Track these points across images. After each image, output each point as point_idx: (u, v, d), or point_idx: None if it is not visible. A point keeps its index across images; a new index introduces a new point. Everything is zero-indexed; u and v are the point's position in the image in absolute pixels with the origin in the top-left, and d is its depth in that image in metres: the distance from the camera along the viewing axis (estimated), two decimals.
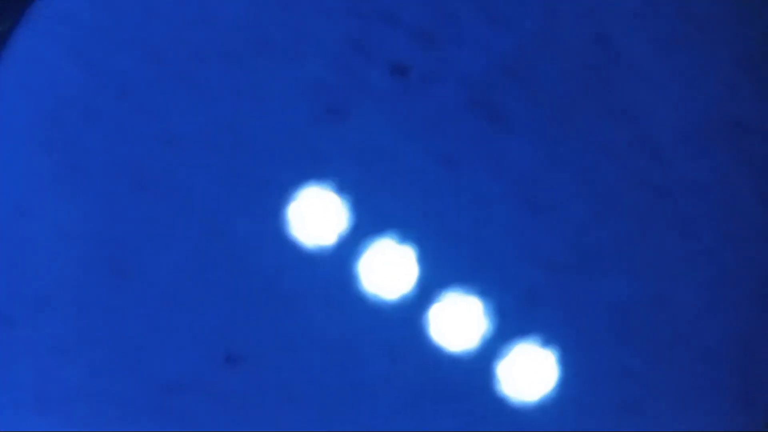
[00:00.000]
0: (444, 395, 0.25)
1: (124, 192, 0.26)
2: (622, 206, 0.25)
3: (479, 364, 0.25)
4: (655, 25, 0.26)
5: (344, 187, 0.25)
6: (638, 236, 0.25)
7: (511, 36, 0.25)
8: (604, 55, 0.25)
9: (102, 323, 0.26)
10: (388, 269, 0.25)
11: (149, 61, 0.26)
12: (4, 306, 0.27)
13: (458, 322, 0.25)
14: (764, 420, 0.26)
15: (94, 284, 0.26)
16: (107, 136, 0.26)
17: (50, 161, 0.26)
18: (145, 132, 0.26)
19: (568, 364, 0.25)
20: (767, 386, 0.25)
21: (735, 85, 0.26)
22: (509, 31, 0.25)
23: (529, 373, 0.25)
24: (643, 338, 0.25)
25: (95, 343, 0.26)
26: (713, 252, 0.25)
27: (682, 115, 0.26)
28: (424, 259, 0.25)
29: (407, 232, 0.25)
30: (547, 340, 0.25)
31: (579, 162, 0.25)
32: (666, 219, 0.25)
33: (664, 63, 0.26)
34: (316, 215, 0.25)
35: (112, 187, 0.26)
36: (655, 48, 0.26)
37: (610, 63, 0.25)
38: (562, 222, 0.25)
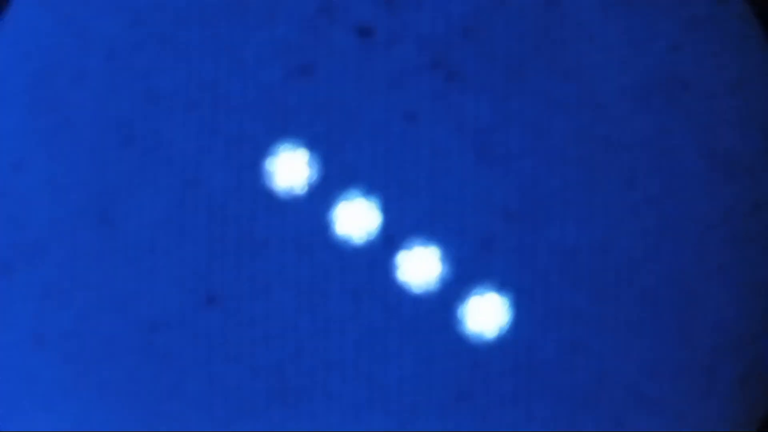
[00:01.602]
0: (405, 334, 0.26)
1: (111, 147, 0.28)
2: (570, 158, 0.27)
3: (439, 305, 0.27)
4: None
5: (313, 140, 0.27)
6: (585, 186, 0.27)
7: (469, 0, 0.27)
8: (554, 16, 0.27)
9: (91, 268, 0.27)
10: (354, 217, 0.27)
11: (133, 24, 0.28)
12: (2, 252, 0.29)
13: (419, 266, 0.27)
14: (703, 359, 0.27)
15: (84, 233, 0.28)
16: (95, 96, 0.28)
17: (42, 120, 0.28)
18: (130, 91, 0.28)
19: (521, 305, 0.27)
20: (704, 325, 0.27)
21: (678, 44, 0.28)
22: None
23: (485, 313, 0.27)
24: (590, 281, 0.27)
25: (85, 287, 0.28)
26: (655, 201, 0.27)
27: (626, 72, 0.27)
28: (388, 208, 0.27)
29: (371, 182, 0.27)
30: (502, 283, 0.27)
31: (530, 117, 0.27)
32: (611, 170, 0.27)
33: (610, 24, 0.27)
34: (287, 167, 0.27)
35: (100, 143, 0.28)
36: (602, 9, 0.27)
37: (560, 24, 0.27)
38: (515, 173, 0.27)
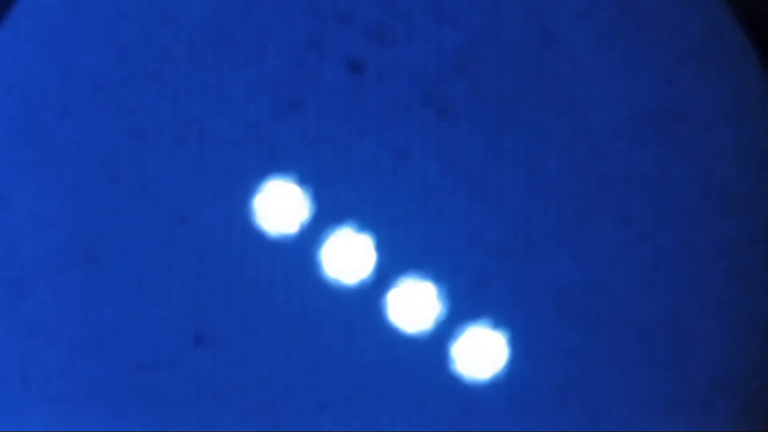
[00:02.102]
0: (399, 373, 0.26)
1: (97, 183, 0.27)
2: (564, 194, 0.26)
3: (432, 345, 0.26)
4: (597, 23, 0.27)
5: (303, 178, 0.26)
6: (580, 223, 0.26)
7: (461, 34, 0.27)
8: (548, 51, 0.27)
9: (78, 307, 0.27)
10: (346, 256, 0.26)
11: (120, 58, 0.28)
12: None
13: (412, 305, 0.26)
14: (700, 395, 0.27)
15: (70, 270, 0.27)
16: (81, 131, 0.27)
17: (27, 155, 0.28)
18: (117, 126, 0.27)
19: (515, 344, 0.26)
20: (701, 361, 0.27)
21: (673, 79, 0.27)
22: (458, 29, 0.27)
23: (480, 352, 0.26)
24: (585, 319, 0.26)
25: (72, 326, 0.27)
26: (650, 237, 0.27)
27: (621, 107, 0.27)
28: (380, 246, 0.26)
29: (363, 220, 0.26)
30: (496, 322, 0.26)
31: (524, 152, 0.26)
32: (605, 206, 0.26)
33: (605, 59, 0.27)
34: (277, 205, 0.26)
35: (86, 179, 0.27)
36: (597, 44, 0.27)
37: (554, 59, 0.27)
38: (509, 209, 0.26)
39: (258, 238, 0.26)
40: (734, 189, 0.27)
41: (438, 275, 0.26)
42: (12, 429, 0.28)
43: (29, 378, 0.28)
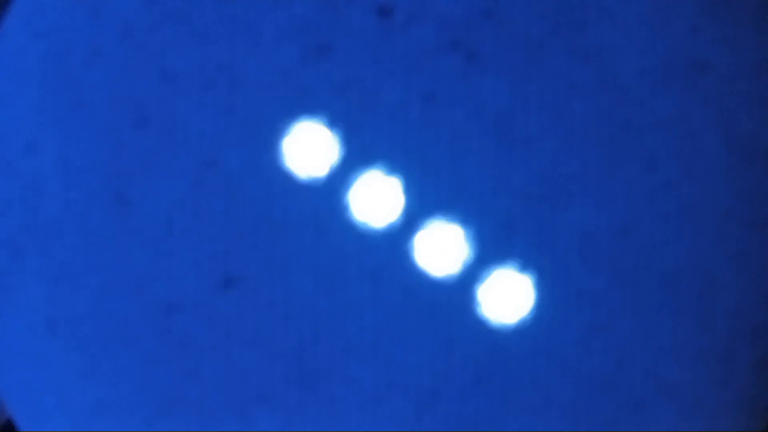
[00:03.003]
0: (424, 316, 0.26)
1: (126, 127, 0.27)
2: (589, 141, 0.27)
3: (459, 288, 0.26)
4: None
5: (332, 121, 0.27)
6: (605, 169, 0.27)
7: None
8: None
9: (107, 250, 0.27)
10: (373, 198, 0.26)
11: (149, 3, 0.28)
12: (15, 235, 0.28)
13: (439, 248, 0.26)
14: (722, 344, 0.27)
15: (99, 214, 0.27)
16: (110, 76, 0.28)
17: (57, 100, 0.28)
18: (145, 71, 0.27)
19: (541, 287, 0.27)
20: (723, 311, 0.27)
21: (697, 27, 0.28)
22: None
23: (506, 296, 0.27)
24: (610, 264, 0.27)
25: (101, 269, 0.27)
26: (675, 184, 0.27)
27: (646, 55, 0.27)
28: (408, 190, 0.26)
29: (391, 163, 0.26)
30: (523, 265, 0.26)
31: (550, 99, 0.27)
32: (631, 153, 0.27)
33: (630, 6, 0.27)
34: (306, 147, 0.27)
35: (114, 123, 0.27)
36: None
37: (579, 6, 0.27)
38: (535, 155, 0.26)
39: (287, 180, 0.27)
40: (758, 139, 0.28)
41: (464, 219, 0.26)
42: (39, 374, 0.28)
43: (57, 323, 0.28)
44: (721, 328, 0.27)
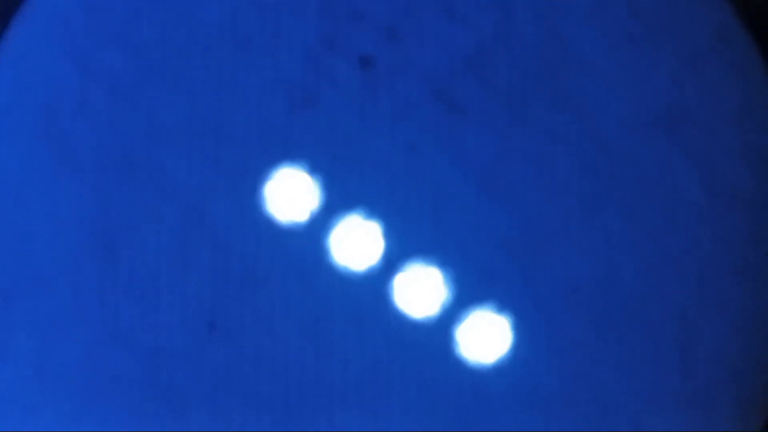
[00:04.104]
0: (407, 362, 0.26)
1: (114, 180, 0.28)
2: (571, 192, 0.27)
3: (440, 334, 0.27)
4: (605, 24, 0.28)
5: (316, 171, 0.27)
6: (587, 220, 0.27)
7: (471, 33, 0.27)
8: (557, 51, 0.27)
9: (95, 300, 0.27)
10: (355, 245, 0.27)
11: (137, 58, 0.28)
12: (3, 285, 0.29)
13: (421, 295, 0.27)
14: (705, 391, 0.27)
15: (87, 265, 0.28)
16: (97, 129, 0.28)
17: (45, 152, 0.28)
18: (133, 124, 0.28)
19: (523, 334, 0.27)
20: (705, 357, 0.27)
21: (680, 79, 0.28)
22: (468, 28, 0.27)
23: (488, 341, 0.27)
24: (592, 314, 0.27)
25: (89, 319, 0.28)
26: (656, 235, 0.27)
27: (628, 107, 0.27)
28: (389, 237, 0.27)
29: (374, 212, 0.27)
30: (504, 311, 0.27)
31: (532, 150, 0.27)
32: (612, 204, 0.27)
33: (613, 58, 0.28)
34: (289, 197, 0.27)
35: (103, 176, 0.28)
36: (605, 44, 0.28)
37: (563, 58, 0.27)
38: (517, 204, 0.27)
39: (271, 230, 0.27)
40: (738, 188, 0.28)
41: (446, 267, 0.27)
42: (27, 425, 0.29)
43: (44, 372, 0.28)
44: (704, 375, 0.27)
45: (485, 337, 0.26)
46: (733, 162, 0.28)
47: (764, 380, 0.29)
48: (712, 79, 0.28)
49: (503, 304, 0.26)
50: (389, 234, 0.26)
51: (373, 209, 0.27)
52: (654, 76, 0.28)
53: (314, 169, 0.27)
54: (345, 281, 0.26)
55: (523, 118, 0.27)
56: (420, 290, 0.26)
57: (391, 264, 0.26)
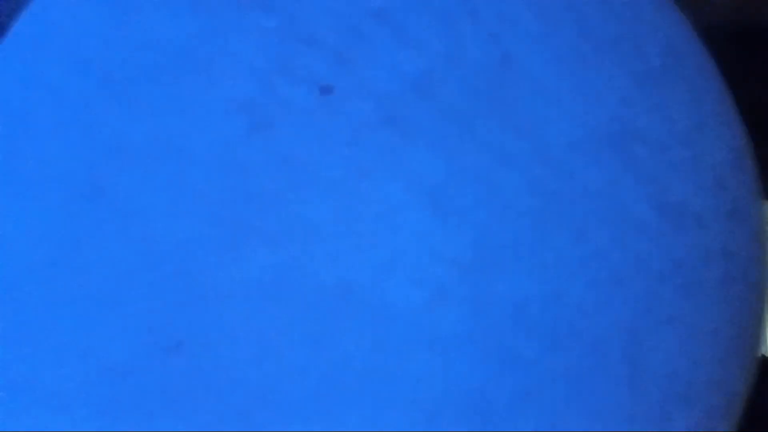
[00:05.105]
0: (359, 382, 0.27)
1: (77, 200, 0.28)
2: (521, 211, 0.27)
3: (392, 353, 0.27)
4: (556, 45, 0.28)
5: (272, 193, 0.28)
6: (536, 239, 0.27)
7: (422, 58, 0.28)
8: (507, 73, 0.28)
9: (53, 316, 0.28)
10: (310, 268, 0.27)
11: (103, 82, 0.29)
12: None
13: (373, 315, 0.27)
14: (656, 409, 0.28)
15: (48, 282, 0.28)
16: (61, 149, 0.29)
17: (8, 176, 0.29)
18: (95, 145, 0.29)
19: (473, 354, 0.27)
20: (655, 376, 0.28)
21: (629, 98, 0.28)
22: (420, 53, 0.28)
23: (438, 362, 0.27)
24: (540, 332, 0.27)
25: (48, 335, 0.28)
26: (605, 253, 0.28)
27: (578, 127, 0.28)
28: (343, 259, 0.27)
29: (328, 234, 0.27)
30: (454, 332, 0.27)
31: (482, 171, 0.27)
32: (560, 223, 0.27)
33: (563, 79, 0.28)
34: (248, 218, 0.28)
35: (67, 197, 0.29)
36: (554, 65, 0.28)
37: (512, 81, 0.28)
38: (467, 225, 0.27)
39: (231, 250, 0.28)
40: (689, 206, 0.28)
41: (398, 287, 0.27)
42: None
43: (12, 385, 0.29)
44: (654, 393, 0.28)
45: (437, 361, 0.27)
46: (683, 180, 0.28)
47: (719, 398, 0.29)
48: (664, 97, 0.29)
49: (454, 326, 0.27)
50: (343, 257, 0.27)
51: (328, 233, 0.27)
52: (604, 95, 0.28)
53: (271, 191, 0.27)
54: (301, 303, 0.27)
55: (473, 139, 0.27)
56: (373, 313, 0.27)
57: (345, 287, 0.27)
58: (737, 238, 0.31)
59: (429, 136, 0.27)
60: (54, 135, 0.29)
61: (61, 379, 0.28)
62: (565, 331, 0.27)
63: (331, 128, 0.27)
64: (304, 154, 0.27)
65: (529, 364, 0.27)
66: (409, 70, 0.28)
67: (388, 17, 0.28)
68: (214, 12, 0.29)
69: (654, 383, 0.28)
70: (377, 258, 0.27)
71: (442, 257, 0.27)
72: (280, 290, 0.27)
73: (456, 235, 0.27)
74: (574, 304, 0.27)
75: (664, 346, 0.28)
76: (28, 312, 0.28)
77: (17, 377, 0.29)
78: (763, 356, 0.35)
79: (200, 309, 0.28)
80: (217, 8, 0.29)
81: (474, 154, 0.27)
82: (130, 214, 0.28)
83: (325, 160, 0.27)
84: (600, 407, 0.27)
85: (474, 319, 0.27)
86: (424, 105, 0.27)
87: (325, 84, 0.28)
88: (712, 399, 0.29)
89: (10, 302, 0.29)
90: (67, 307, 0.28)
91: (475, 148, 0.27)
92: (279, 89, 0.28)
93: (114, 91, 0.29)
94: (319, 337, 0.27)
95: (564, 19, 0.29)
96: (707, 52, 0.31)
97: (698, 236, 0.28)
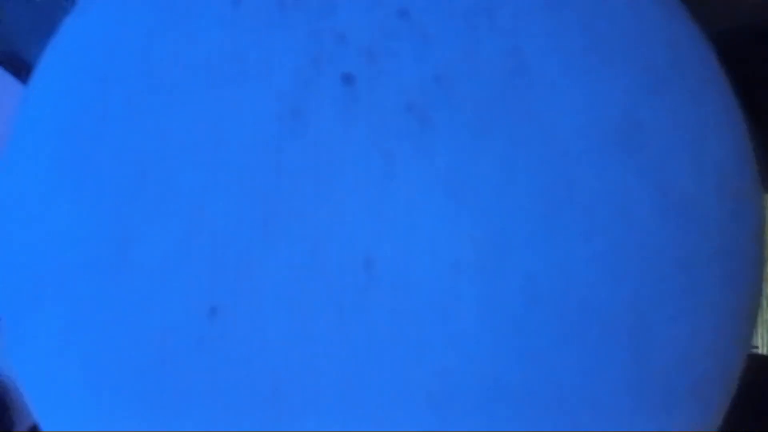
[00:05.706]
0: (382, 351, 0.30)
1: (127, 185, 0.31)
2: (532, 195, 0.30)
3: (413, 323, 0.30)
4: (564, 42, 0.31)
5: (303, 175, 0.30)
6: (547, 220, 0.30)
7: (442, 54, 0.30)
8: (519, 67, 0.30)
9: (109, 285, 0.31)
10: (338, 243, 0.30)
11: (148, 75, 0.32)
12: (30, 289, 0.32)
13: (397, 288, 0.30)
14: (660, 397, 0.30)
15: (94, 269, 0.31)
16: (114, 141, 0.32)
17: (66, 168, 0.32)
18: (147, 137, 0.31)
19: (487, 323, 0.30)
20: (654, 374, 0.30)
21: (636, 95, 0.30)
22: (441, 50, 0.30)
23: (455, 330, 0.30)
24: (549, 306, 0.29)
25: (100, 306, 0.31)
26: (605, 251, 0.30)
27: (584, 120, 0.30)
28: (369, 236, 0.30)
29: (354, 212, 0.30)
30: (471, 303, 0.30)
31: (497, 157, 0.30)
32: (571, 207, 0.30)
33: (572, 76, 0.30)
34: (280, 197, 0.30)
35: (116, 187, 0.31)
36: (565, 62, 0.30)
37: (524, 74, 0.30)
38: (482, 207, 0.30)
39: (265, 226, 0.30)
40: (690, 204, 0.30)
41: (418, 263, 0.30)
42: (45, 394, 0.32)
43: (72, 350, 0.32)
44: (656, 393, 0.30)
45: (455, 330, 0.29)
46: (688, 178, 0.30)
47: (720, 388, 0.31)
48: (670, 96, 0.31)
49: (471, 299, 0.29)
50: (369, 234, 0.30)
51: (354, 211, 0.30)
52: (612, 89, 0.30)
53: (302, 173, 0.30)
54: (330, 276, 0.30)
55: (488, 127, 0.30)
56: (397, 286, 0.29)
57: (369, 262, 0.29)
58: (738, 236, 0.33)
59: (448, 125, 0.30)
60: (107, 127, 0.32)
61: (102, 347, 0.31)
62: (574, 305, 0.30)
63: (358, 116, 0.30)
64: (333, 140, 0.30)
65: (541, 337, 0.29)
66: (430, 65, 0.30)
67: (411, 16, 0.31)
68: (254, 16, 0.32)
69: (655, 382, 0.30)
70: (399, 235, 0.30)
71: (459, 236, 0.30)
72: (310, 264, 0.30)
73: (471, 216, 0.30)
74: (582, 281, 0.30)
75: (668, 345, 0.30)
76: (88, 280, 0.31)
77: (86, 337, 0.31)
78: (762, 354, 0.37)
79: (236, 279, 0.30)
80: (256, 14, 0.32)
81: (489, 142, 0.30)
82: (172, 197, 0.31)
83: (352, 145, 0.30)
84: (607, 377, 0.30)
85: (486, 289, 0.29)
86: (444, 96, 0.30)
87: (353, 77, 0.30)
88: (714, 391, 0.31)
89: (75, 269, 0.32)
90: (113, 280, 0.31)
91: (490, 136, 0.30)
92: (311, 82, 0.30)
93: (158, 84, 0.32)
94: (344, 305, 0.30)
95: (575, 18, 0.31)
96: (712, 51, 0.33)
97: (701, 233, 0.30)
